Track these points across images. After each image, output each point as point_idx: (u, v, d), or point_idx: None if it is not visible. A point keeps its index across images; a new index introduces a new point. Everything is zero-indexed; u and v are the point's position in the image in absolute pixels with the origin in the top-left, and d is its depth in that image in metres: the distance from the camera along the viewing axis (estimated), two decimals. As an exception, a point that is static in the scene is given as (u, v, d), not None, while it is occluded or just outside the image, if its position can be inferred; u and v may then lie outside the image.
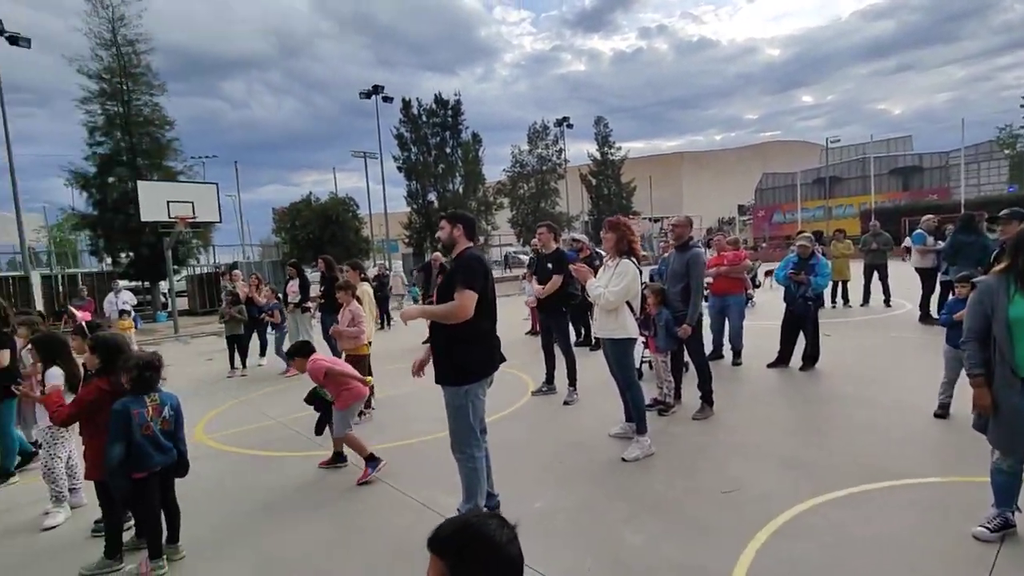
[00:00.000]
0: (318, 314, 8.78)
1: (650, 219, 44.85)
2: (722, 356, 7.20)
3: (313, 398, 4.45)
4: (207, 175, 31.53)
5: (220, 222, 18.98)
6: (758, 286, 14.01)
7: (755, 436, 4.53)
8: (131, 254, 20.08)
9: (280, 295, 9.44)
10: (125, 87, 19.94)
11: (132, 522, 3.33)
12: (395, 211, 31.54)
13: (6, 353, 4.23)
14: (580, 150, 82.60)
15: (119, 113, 19.96)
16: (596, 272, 4.53)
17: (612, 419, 4.85)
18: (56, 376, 3.68)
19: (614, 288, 4.10)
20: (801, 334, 6.54)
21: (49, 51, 53.63)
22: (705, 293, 6.37)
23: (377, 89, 24.70)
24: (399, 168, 28.45)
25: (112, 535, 3.12)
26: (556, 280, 5.77)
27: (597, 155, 39.49)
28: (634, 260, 4.19)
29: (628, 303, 4.19)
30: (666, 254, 5.76)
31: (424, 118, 27.96)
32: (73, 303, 13.23)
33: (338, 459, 4.42)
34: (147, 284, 21.29)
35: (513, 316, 11.01)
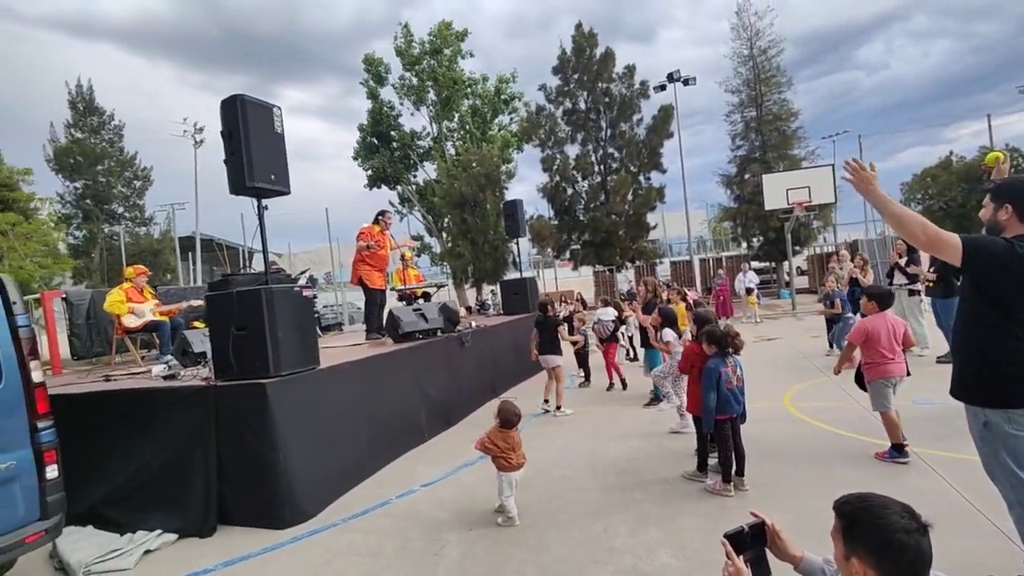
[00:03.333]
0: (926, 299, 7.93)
1: None
2: None
3: None
4: (836, 153, 31.46)
5: (835, 202, 19.10)
6: None
7: None
8: (760, 238, 23.10)
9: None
10: (758, 92, 22.96)
11: (716, 451, 4.53)
12: (1101, 154, 21.84)
13: (647, 317, 6.37)
14: None
15: (753, 117, 23.23)
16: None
17: None
18: (669, 335, 5.36)
19: None
20: None
21: (710, 77, 67.24)
22: None
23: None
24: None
25: (701, 455, 4.42)
26: None
27: None
28: None
29: None
30: None
31: None
32: (714, 281, 16.73)
33: (899, 453, 4.26)
34: (773, 264, 23.92)
35: None
